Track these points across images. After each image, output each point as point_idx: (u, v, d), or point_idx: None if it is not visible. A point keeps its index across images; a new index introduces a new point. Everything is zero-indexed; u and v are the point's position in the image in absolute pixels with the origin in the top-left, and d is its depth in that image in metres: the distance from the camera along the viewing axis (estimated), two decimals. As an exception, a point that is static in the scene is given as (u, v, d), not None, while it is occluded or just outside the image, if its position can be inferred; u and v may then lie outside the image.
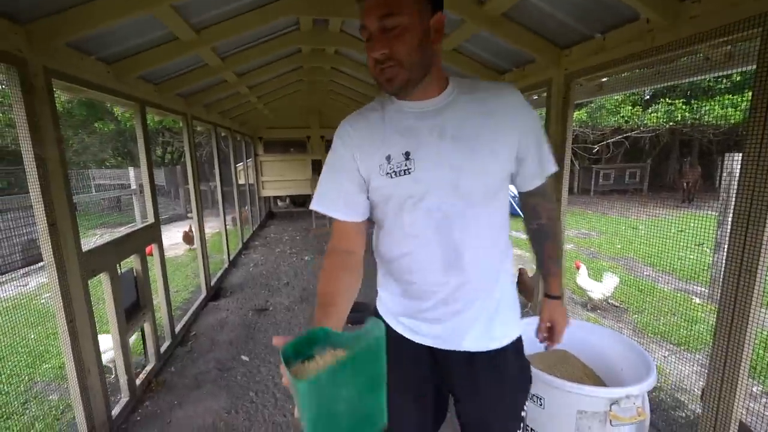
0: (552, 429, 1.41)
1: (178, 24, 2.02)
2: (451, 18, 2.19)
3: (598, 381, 1.69)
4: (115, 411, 1.97)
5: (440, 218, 0.87)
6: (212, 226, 6.75)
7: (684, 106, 9.40)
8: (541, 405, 1.41)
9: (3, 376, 2.53)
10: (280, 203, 9.12)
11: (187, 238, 5.72)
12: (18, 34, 1.46)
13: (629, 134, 10.82)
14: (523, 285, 3.18)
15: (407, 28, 0.78)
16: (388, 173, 0.87)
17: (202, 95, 3.50)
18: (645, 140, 11.61)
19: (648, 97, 10.89)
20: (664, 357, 2.63)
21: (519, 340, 1.00)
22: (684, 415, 2.04)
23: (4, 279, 4.75)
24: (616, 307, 3.52)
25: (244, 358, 2.62)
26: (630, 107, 9.83)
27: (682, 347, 2.74)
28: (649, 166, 12.62)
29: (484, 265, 0.91)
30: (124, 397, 2.10)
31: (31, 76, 1.51)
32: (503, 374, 0.97)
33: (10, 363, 2.69)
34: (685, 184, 10.25)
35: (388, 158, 0.87)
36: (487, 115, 0.86)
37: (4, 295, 4.25)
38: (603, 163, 13.11)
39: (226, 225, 4.86)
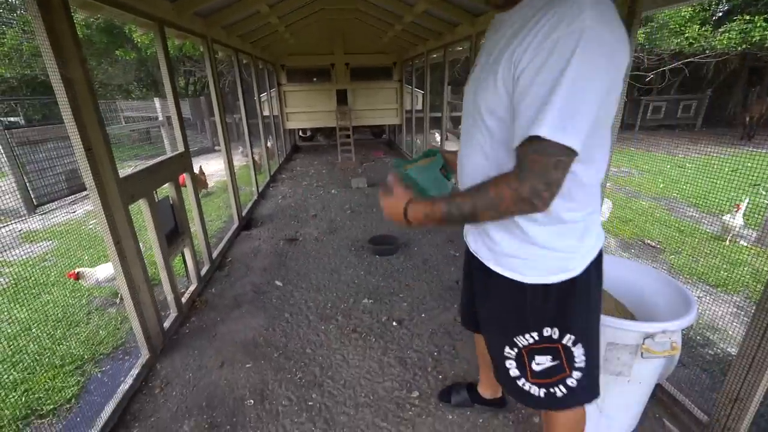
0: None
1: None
2: None
3: (628, 315, 1.67)
4: (166, 324, 2.17)
5: (463, 126, 0.96)
6: (239, 159, 6.81)
7: (765, 23, 8.05)
8: (570, 336, 1.42)
9: (66, 291, 2.82)
10: (301, 136, 8.93)
11: (200, 182, 4.86)
12: (23, -64, 1.34)
13: (692, 59, 9.54)
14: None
15: None
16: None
17: (221, 15, 3.28)
18: (708, 66, 10.25)
19: (721, 13, 9.37)
20: (698, 297, 2.57)
21: (526, 287, 0.93)
22: (712, 353, 2.04)
23: (53, 206, 5.10)
24: (653, 247, 3.41)
25: (278, 283, 2.77)
26: (698, 26, 8.51)
27: (719, 289, 2.66)
28: (708, 97, 11.30)
29: (483, 170, 0.90)
30: (173, 313, 2.30)
31: (45, -13, 1.41)
32: (492, 299, 1.03)
33: (70, 282, 2.97)
34: (748, 119, 9.20)
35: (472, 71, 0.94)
36: (514, 35, 0.76)
37: (56, 221, 4.59)
38: (654, 95, 11.85)
39: (253, 157, 4.88)
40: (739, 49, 8.81)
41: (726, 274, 2.83)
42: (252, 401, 1.73)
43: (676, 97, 11.68)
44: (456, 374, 1.86)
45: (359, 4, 4.10)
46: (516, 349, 1.01)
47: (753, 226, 3.47)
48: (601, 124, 0.78)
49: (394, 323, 2.27)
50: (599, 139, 0.81)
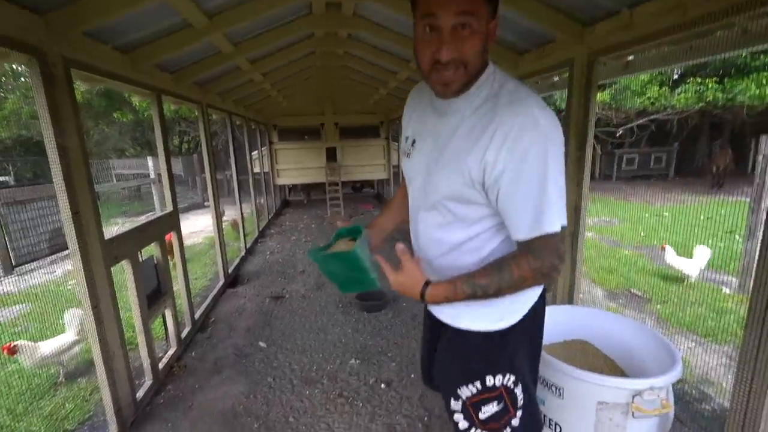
0: (571, 420, 1.39)
1: (191, 10, 2.00)
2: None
3: (619, 372, 1.64)
4: (140, 393, 2.04)
5: (413, 206, 1.04)
6: (228, 214, 6.85)
7: (716, 86, 8.91)
8: (560, 395, 1.39)
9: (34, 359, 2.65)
10: (292, 195, 9.07)
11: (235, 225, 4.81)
12: (37, 24, 1.47)
13: (655, 117, 10.35)
14: None
15: (477, 31, 0.78)
16: (402, 150, 1.05)
17: (217, 83, 3.50)
18: (672, 123, 11.10)
19: (676, 76, 10.35)
20: (690, 348, 2.55)
21: (469, 334, 0.98)
22: (710, 408, 1.98)
23: (32, 267, 4.95)
24: (639, 297, 3.43)
25: (262, 344, 2.67)
26: (657, 87, 9.35)
27: (709, 339, 2.65)
28: (676, 150, 12.11)
29: (436, 255, 0.99)
30: (147, 380, 2.17)
31: (51, 65, 1.52)
32: (446, 347, 1.07)
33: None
34: (715, 169, 9.81)
35: (406, 138, 1.02)
36: (471, 134, 0.84)
37: (34, 282, 4.44)
38: (626, 147, 12.63)
39: (242, 213, 4.92)
40: (697, 107, 9.62)
41: (713, 323, 2.84)
42: (228, 481, 1.58)
43: (648, 150, 12.47)
44: (448, 441, 1.75)
45: (347, 61, 4.42)
46: (461, 402, 1.01)
47: (732, 273, 3.55)
48: None
49: (383, 385, 2.17)
50: None
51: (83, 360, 2.59)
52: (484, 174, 0.83)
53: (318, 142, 8.06)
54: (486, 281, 0.85)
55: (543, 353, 1.41)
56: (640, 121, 10.82)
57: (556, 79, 2.79)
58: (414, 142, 0.99)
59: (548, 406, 1.45)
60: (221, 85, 3.58)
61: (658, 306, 3.20)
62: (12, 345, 2.26)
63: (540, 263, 0.82)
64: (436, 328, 1.09)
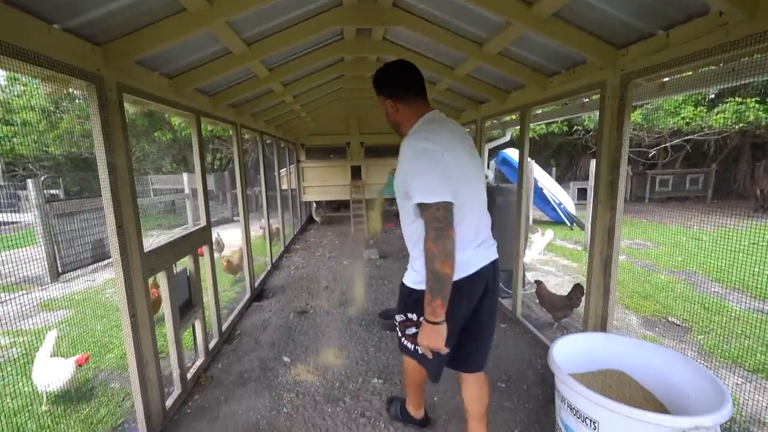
0: (607, 455, 1.31)
1: (232, 39, 2.14)
2: (496, 21, 2.15)
3: (659, 406, 1.55)
4: (168, 402, 2.09)
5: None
6: (255, 230, 7.04)
7: (757, 105, 8.49)
8: (595, 429, 1.32)
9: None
10: (317, 218, 9.16)
11: (232, 266, 4.47)
12: (97, 54, 1.62)
13: (690, 137, 9.93)
14: (541, 299, 3.19)
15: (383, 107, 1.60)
16: None
17: (251, 105, 3.68)
18: (709, 143, 10.62)
19: (713, 96, 9.96)
20: (737, 384, 2.36)
21: (404, 286, 1.56)
22: (762, 451, 1.82)
23: (75, 274, 5.25)
24: (677, 325, 3.23)
25: (286, 359, 2.69)
26: (692, 107, 9.01)
27: (759, 374, 2.45)
28: (714, 171, 11.51)
29: (406, 234, 1.53)
30: (176, 390, 2.23)
31: (107, 90, 1.66)
32: (400, 296, 1.61)
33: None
34: (759, 191, 9.23)
35: None
36: (400, 157, 1.45)
37: (76, 288, 4.69)
38: (660, 168, 12.14)
39: (269, 228, 5.06)
40: (737, 127, 9.17)
41: (763, 357, 2.63)
42: (249, 497, 1.58)
43: (683, 171, 11.91)
44: (473, 470, 1.68)
45: (372, 92, 4.58)
46: (397, 324, 1.62)
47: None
48: (455, 190, 1.32)
49: (405, 407, 2.12)
50: (458, 201, 1.34)
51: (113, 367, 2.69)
52: (404, 181, 1.40)
53: (343, 160, 8.23)
54: (426, 278, 1.29)
55: (575, 383, 1.36)
56: (675, 142, 10.41)
57: (586, 100, 2.76)
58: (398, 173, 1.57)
59: (581, 439, 1.38)
60: (254, 106, 3.76)
61: (700, 336, 3.00)
62: (87, 356, 2.36)
63: (428, 235, 1.27)
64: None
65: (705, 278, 4.39)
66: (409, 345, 1.57)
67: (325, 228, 8.14)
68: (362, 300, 3.78)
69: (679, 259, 5.31)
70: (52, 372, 2.22)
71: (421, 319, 1.35)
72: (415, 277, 1.49)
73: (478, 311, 1.50)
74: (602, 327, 2.11)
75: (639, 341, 1.75)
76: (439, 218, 1.25)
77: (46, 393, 2.27)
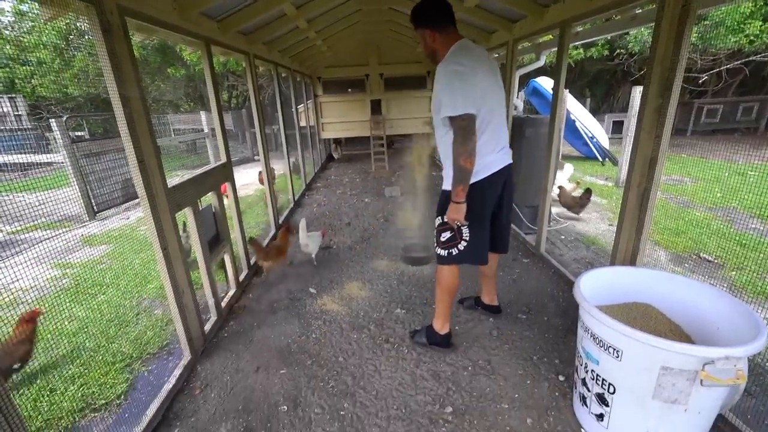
0: (627, 382, 1.34)
1: (236, -52, 1.91)
2: None
3: (685, 339, 1.53)
4: (207, 327, 2.26)
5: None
6: (277, 168, 7.05)
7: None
8: (617, 357, 1.33)
9: (119, 292, 3.02)
10: (335, 155, 9.09)
11: (261, 179, 5.51)
12: (91, -30, 1.48)
13: (752, 58, 8.76)
14: (563, 198, 4.21)
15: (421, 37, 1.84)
16: None
17: (263, 32, 3.44)
18: (771, 66, 9.37)
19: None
20: (766, 319, 2.32)
21: (444, 191, 1.88)
22: (785, 381, 1.82)
23: (110, 213, 5.52)
24: (709, 261, 3.13)
25: (312, 290, 2.81)
26: (760, 23, 7.81)
27: (792, 309, 2.39)
28: (773, 98, 10.30)
29: (439, 146, 1.86)
30: (213, 317, 2.40)
31: (108, 13, 1.55)
32: (440, 203, 1.91)
33: (123, 282, 3.19)
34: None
35: None
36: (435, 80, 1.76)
37: (112, 226, 4.96)
38: (709, 97, 10.99)
39: (290, 167, 5.04)
40: (810, 45, 8.00)
41: (799, 293, 2.54)
42: (285, 407, 1.75)
43: (735, 100, 10.74)
44: (492, 391, 1.79)
45: (393, 16, 4.16)
46: (435, 230, 1.93)
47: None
48: (479, 105, 1.67)
49: (427, 335, 2.22)
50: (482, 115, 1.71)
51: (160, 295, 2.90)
52: (437, 101, 1.72)
53: (362, 94, 7.86)
54: (453, 169, 1.72)
55: (598, 312, 1.35)
56: (732, 65, 9.24)
57: (638, 11, 2.40)
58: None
59: (603, 366, 1.40)
60: (267, 34, 3.51)
61: (733, 273, 2.91)
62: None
63: (454, 140, 1.67)
64: (439, 199, 1.94)
65: (745, 214, 4.16)
66: (444, 252, 1.89)
67: (345, 166, 8.07)
68: (384, 236, 3.83)
69: (719, 195, 5.01)
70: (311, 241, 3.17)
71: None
72: (446, 181, 1.83)
73: (501, 199, 1.93)
74: (631, 262, 2.05)
75: (670, 275, 1.69)
76: (464, 126, 1.62)
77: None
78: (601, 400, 1.44)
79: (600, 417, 1.46)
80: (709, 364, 1.16)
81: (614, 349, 1.34)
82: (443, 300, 2.01)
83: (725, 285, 2.74)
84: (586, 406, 1.52)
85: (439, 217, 1.88)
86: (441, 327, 2.06)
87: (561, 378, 1.85)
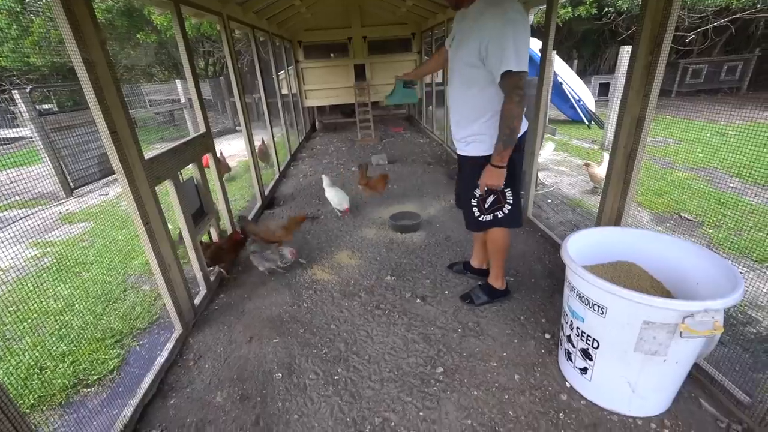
0: (610, 336, 1.39)
1: None
2: None
3: (665, 294, 1.59)
4: (197, 301, 2.25)
5: (449, 74, 1.84)
6: (259, 139, 6.84)
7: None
8: (602, 314, 1.37)
9: (104, 269, 2.96)
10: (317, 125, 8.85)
11: (223, 166, 4.83)
12: None
13: (739, 15, 8.66)
14: (597, 178, 4.00)
15: None
16: (447, 44, 1.97)
17: (236, -10, 3.20)
18: (758, 23, 9.28)
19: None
20: (741, 273, 2.42)
21: (478, 158, 1.80)
22: (755, 331, 1.93)
23: (87, 189, 5.32)
24: (689, 220, 3.23)
25: (302, 260, 2.81)
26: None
27: (765, 264, 2.50)
28: (756, 57, 10.29)
29: (460, 106, 1.79)
30: (202, 290, 2.38)
31: (59, -34, 1.40)
32: (464, 172, 1.94)
33: (107, 259, 3.12)
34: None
35: (452, 37, 1.82)
36: (472, 25, 1.62)
37: (91, 203, 4.80)
38: (695, 57, 10.93)
39: (274, 137, 4.88)
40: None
41: (772, 248, 2.65)
42: (280, 375, 1.78)
43: (720, 59, 10.70)
44: (481, 351, 1.85)
45: None
46: (475, 199, 1.90)
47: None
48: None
49: (418, 300, 2.26)
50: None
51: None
52: (480, 46, 1.57)
53: (345, 58, 7.55)
54: (501, 132, 1.61)
55: (584, 271, 1.38)
56: (719, 22, 9.13)
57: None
58: (454, 38, 1.80)
59: (588, 323, 1.44)
60: (240, -9, 3.28)
61: (711, 231, 3.01)
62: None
63: (509, 99, 1.55)
64: (462, 165, 1.95)
65: (724, 174, 4.25)
66: (489, 217, 1.90)
67: (331, 135, 7.89)
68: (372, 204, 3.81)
69: (700, 155, 5.09)
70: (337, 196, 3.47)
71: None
72: (488, 144, 1.74)
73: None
74: (616, 223, 2.09)
75: (654, 233, 1.73)
76: (521, 86, 1.52)
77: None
78: (586, 354, 1.50)
79: (584, 371, 1.53)
80: (689, 317, 1.21)
81: (599, 307, 1.38)
82: (499, 260, 2.08)
83: (704, 242, 2.84)
84: (571, 361, 1.59)
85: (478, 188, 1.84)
86: (501, 284, 2.16)
87: (547, 336, 1.92)
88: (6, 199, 4.55)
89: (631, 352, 1.35)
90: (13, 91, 4.70)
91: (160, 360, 1.83)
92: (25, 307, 2.46)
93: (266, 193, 4.12)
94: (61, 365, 1.96)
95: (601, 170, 3.88)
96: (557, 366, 1.73)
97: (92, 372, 1.91)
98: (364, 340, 1.97)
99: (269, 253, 2.57)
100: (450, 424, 1.49)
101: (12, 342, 2.15)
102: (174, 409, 1.64)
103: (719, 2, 8.19)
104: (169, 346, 1.92)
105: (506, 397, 1.60)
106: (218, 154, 3.09)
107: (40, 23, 10.11)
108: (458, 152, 1.93)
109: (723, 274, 1.40)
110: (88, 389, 1.83)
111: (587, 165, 4.12)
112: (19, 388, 1.81)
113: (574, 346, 1.55)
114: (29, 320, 2.33)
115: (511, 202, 1.85)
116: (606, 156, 4.21)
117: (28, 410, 1.70)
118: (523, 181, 3.31)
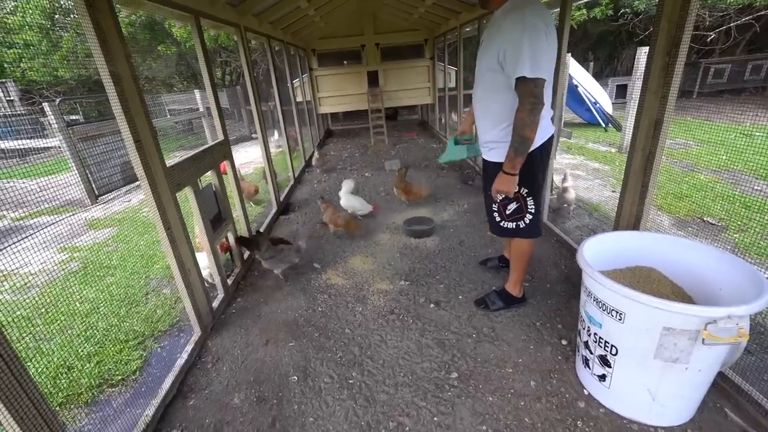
0: (629, 342, 1.36)
1: None
2: None
3: (687, 300, 1.55)
4: (215, 305, 2.31)
5: (475, 82, 1.82)
6: (275, 146, 6.97)
7: None
8: (620, 320, 1.35)
9: (127, 273, 3.06)
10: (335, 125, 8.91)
11: (248, 193, 4.31)
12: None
13: (763, 13, 8.40)
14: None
15: None
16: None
17: (251, 3, 3.30)
18: (783, 21, 8.98)
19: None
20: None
21: (499, 164, 1.75)
22: (784, 338, 1.85)
23: (111, 196, 5.52)
24: (713, 225, 3.13)
25: (316, 265, 2.84)
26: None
27: (794, 269, 2.40)
28: (782, 56, 9.94)
29: (482, 112, 1.80)
30: (220, 294, 2.43)
31: (89, -15, 1.48)
32: (487, 176, 1.95)
33: (130, 263, 3.23)
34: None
35: (481, 41, 1.80)
36: (495, 30, 1.61)
37: (115, 209, 4.97)
38: (717, 56, 10.62)
39: (289, 144, 4.97)
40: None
41: (802, 253, 2.54)
42: (296, 378, 1.81)
43: (744, 58, 10.37)
44: (496, 357, 1.83)
45: None
46: (497, 204, 1.90)
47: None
48: (550, 70, 1.58)
49: (432, 305, 2.26)
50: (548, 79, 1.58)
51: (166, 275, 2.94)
52: (499, 51, 1.58)
53: (359, 65, 7.64)
54: (512, 139, 1.60)
55: (601, 277, 1.36)
56: (742, 20, 8.87)
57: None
58: (482, 42, 1.77)
59: (606, 329, 1.42)
60: (257, 4, 3.38)
61: (736, 235, 2.91)
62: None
63: (522, 106, 1.53)
64: (485, 169, 1.95)
65: (750, 177, 4.11)
66: (512, 225, 1.90)
67: (344, 140, 7.97)
68: (387, 210, 3.83)
69: (724, 157, 4.93)
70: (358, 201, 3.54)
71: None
72: (506, 151, 1.70)
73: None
74: (635, 227, 2.05)
75: (673, 237, 1.69)
76: (536, 94, 1.49)
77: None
78: (604, 361, 1.47)
79: (602, 378, 1.50)
80: (711, 323, 1.18)
81: (617, 312, 1.36)
82: (520, 268, 2.07)
83: (729, 247, 2.75)
84: (589, 368, 1.56)
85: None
86: (519, 291, 2.15)
87: (564, 342, 1.89)
88: (37, 206, 4.76)
89: (650, 359, 1.32)
90: (43, 104, 4.93)
91: (180, 362, 1.88)
92: (55, 310, 2.57)
93: (281, 198, 4.19)
94: (87, 365, 2.03)
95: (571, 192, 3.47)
96: (574, 373, 1.70)
97: (116, 372, 1.98)
98: (378, 345, 1.98)
99: (284, 255, 2.61)
100: (465, 430, 1.49)
101: (42, 343, 2.24)
102: (193, 409, 1.68)
103: (741, 0, 7.95)
104: (189, 348, 1.98)
105: (522, 403, 1.58)
106: (240, 180, 3.01)
107: (68, 39, 10.60)
108: (483, 156, 1.94)
109: (748, 279, 1.36)
110: (113, 389, 1.89)
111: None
112: (49, 386, 1.89)
113: (591, 353, 1.52)
114: (58, 322, 2.43)
115: (531, 211, 1.84)
116: (569, 174, 3.68)
117: (57, 408, 1.77)
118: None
